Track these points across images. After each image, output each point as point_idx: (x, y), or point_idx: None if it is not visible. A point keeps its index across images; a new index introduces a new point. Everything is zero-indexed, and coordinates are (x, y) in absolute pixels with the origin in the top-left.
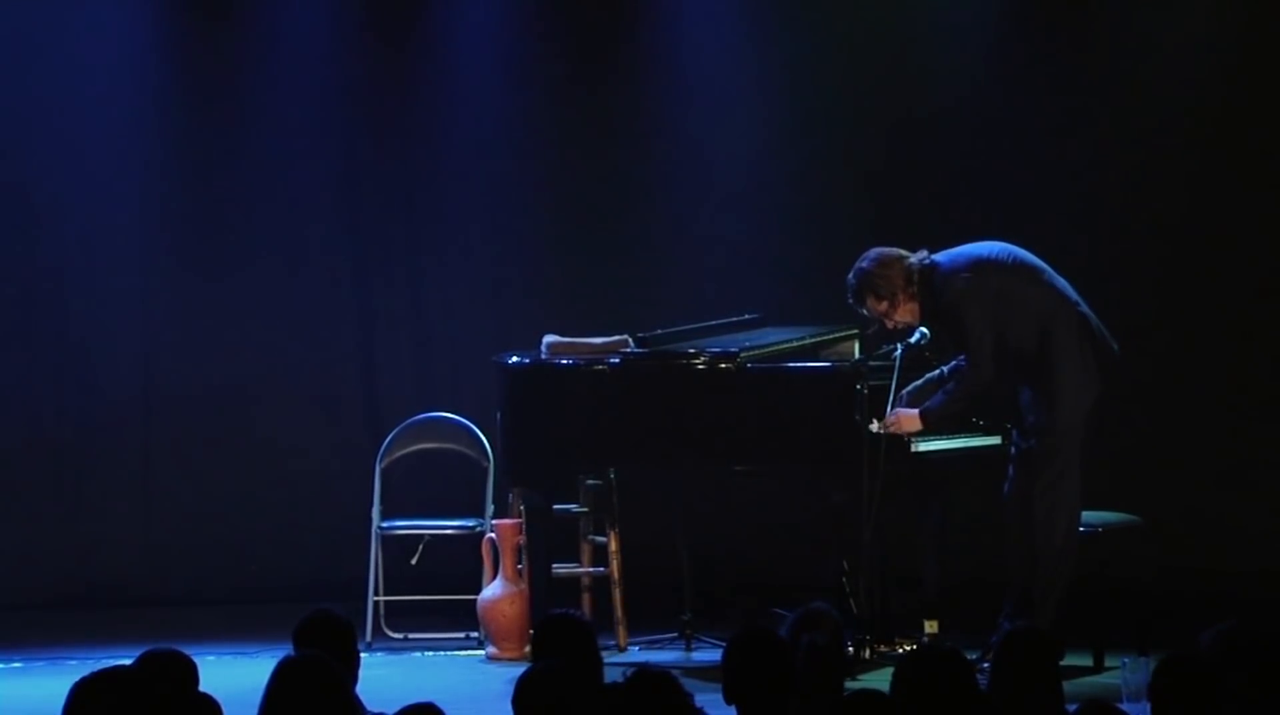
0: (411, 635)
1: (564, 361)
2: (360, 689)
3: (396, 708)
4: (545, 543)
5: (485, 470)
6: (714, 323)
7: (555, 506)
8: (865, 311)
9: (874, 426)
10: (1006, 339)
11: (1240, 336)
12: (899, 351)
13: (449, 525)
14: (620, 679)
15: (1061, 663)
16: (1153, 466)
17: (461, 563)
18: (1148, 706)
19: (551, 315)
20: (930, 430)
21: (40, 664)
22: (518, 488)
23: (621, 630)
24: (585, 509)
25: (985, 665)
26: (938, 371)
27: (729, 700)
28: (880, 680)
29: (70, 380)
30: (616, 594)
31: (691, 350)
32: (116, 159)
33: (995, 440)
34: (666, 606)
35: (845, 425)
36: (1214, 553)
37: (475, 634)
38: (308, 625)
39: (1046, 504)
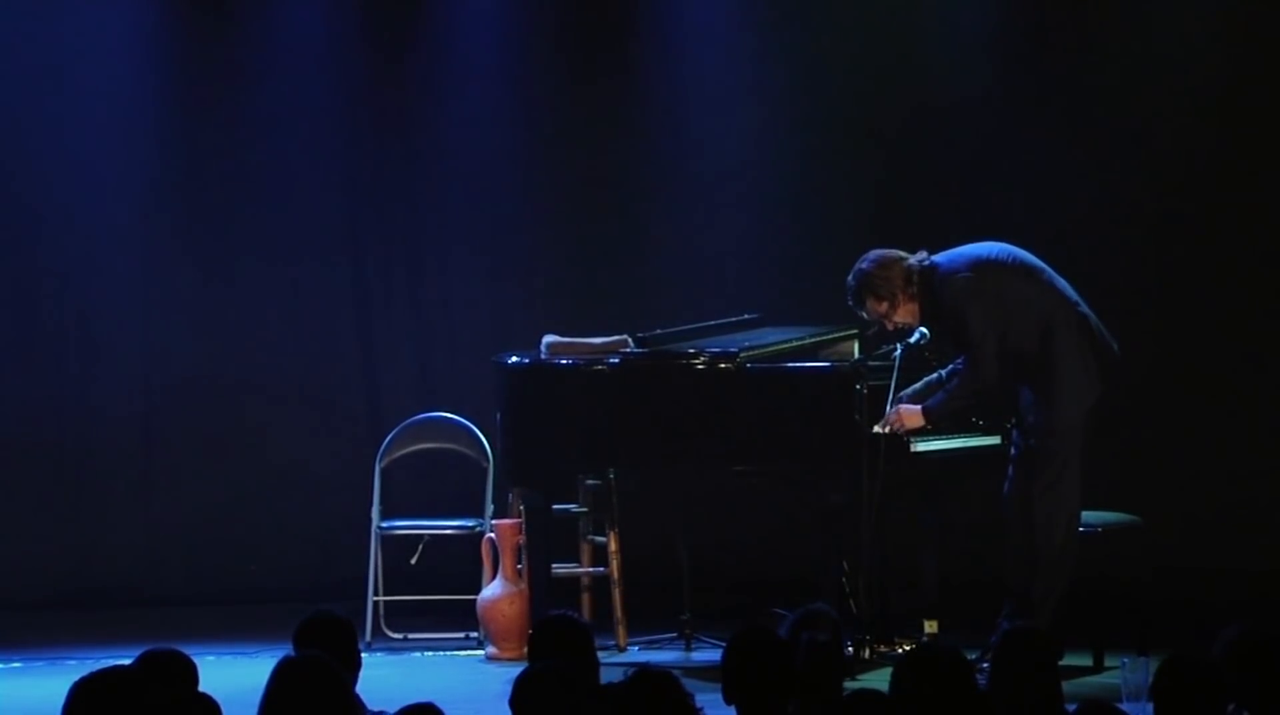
0: (411, 635)
1: (564, 361)
2: (360, 689)
3: (396, 708)
4: (545, 543)
5: (485, 470)
6: (714, 323)
7: (555, 506)
8: (865, 313)
9: (877, 427)
10: (1007, 340)
11: (1240, 336)
12: (899, 351)
13: (449, 525)
14: (621, 679)
15: (1061, 663)
16: (1153, 466)
17: (461, 563)
18: (1148, 707)
19: (551, 315)
20: (932, 427)
21: (40, 664)
22: (518, 488)
23: (621, 630)
24: (585, 509)
25: (985, 665)
26: (936, 375)
27: (729, 700)
28: (880, 680)
29: (70, 380)
30: (616, 594)
31: (691, 350)
32: (116, 159)
33: (995, 440)
34: (666, 606)
35: (845, 425)
36: (1214, 553)
37: (475, 634)
38: (308, 625)
39: (1046, 504)
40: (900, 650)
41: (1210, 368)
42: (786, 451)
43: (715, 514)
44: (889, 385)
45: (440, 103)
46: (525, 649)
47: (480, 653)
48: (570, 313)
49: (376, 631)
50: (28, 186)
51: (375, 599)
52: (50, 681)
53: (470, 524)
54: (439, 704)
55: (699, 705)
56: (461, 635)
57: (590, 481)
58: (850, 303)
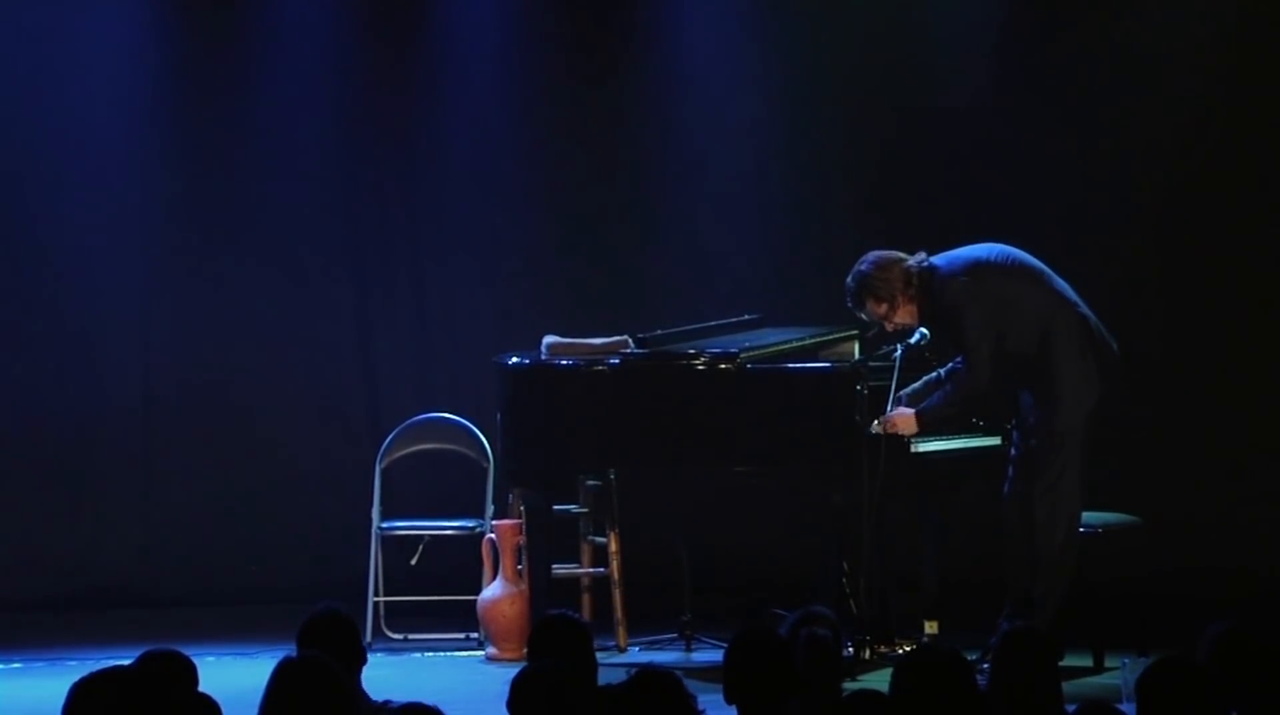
0: (411, 636)
1: (564, 362)
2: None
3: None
4: (545, 543)
5: (485, 471)
6: (714, 323)
7: (555, 507)
8: (865, 315)
9: (874, 426)
10: (1006, 341)
11: (1240, 337)
12: (899, 352)
13: (449, 526)
14: (623, 679)
15: (1061, 663)
16: (1153, 466)
17: (461, 563)
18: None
19: (551, 315)
20: (926, 431)
21: (40, 664)
22: (518, 488)
23: (621, 631)
24: (585, 509)
25: (985, 666)
26: (935, 373)
27: (730, 700)
28: (880, 680)
29: (70, 380)
30: (616, 594)
31: (691, 351)
32: (116, 158)
33: (995, 441)
34: (666, 607)
35: (845, 426)
36: (1214, 553)
37: (475, 634)
38: (314, 622)
39: (1047, 505)
40: (900, 650)
41: (1211, 368)
42: (787, 452)
43: (715, 514)
44: (889, 386)
45: (441, 102)
46: (525, 649)
47: (480, 653)
48: (570, 313)
49: (377, 632)
50: (27, 186)
51: (375, 599)
52: (50, 681)
53: (470, 524)
54: (439, 704)
55: (701, 706)
56: (462, 636)
57: (590, 482)
58: (850, 304)
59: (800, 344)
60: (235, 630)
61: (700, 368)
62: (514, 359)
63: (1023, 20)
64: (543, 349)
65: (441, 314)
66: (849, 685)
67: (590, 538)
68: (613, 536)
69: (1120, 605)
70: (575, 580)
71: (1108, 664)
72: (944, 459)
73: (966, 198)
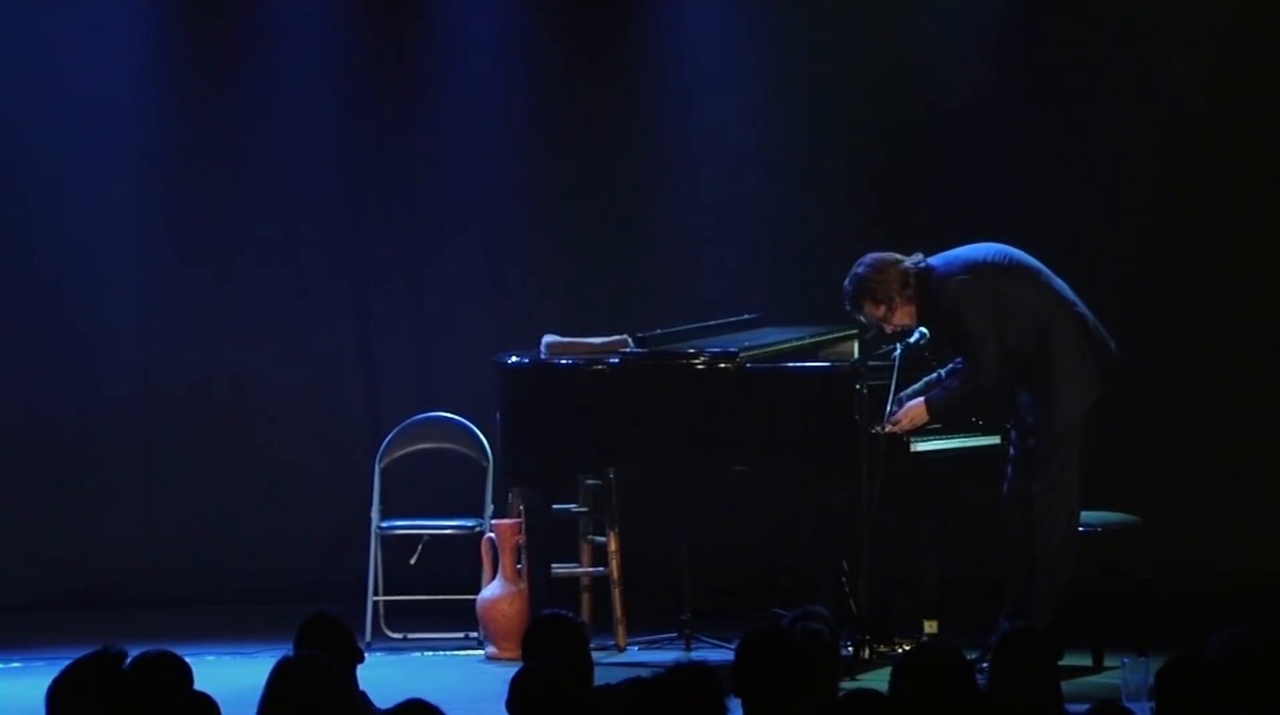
0: (411, 635)
1: (563, 361)
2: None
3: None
4: (545, 543)
5: (485, 470)
6: (714, 323)
7: (555, 506)
8: (863, 317)
9: (885, 427)
10: (1005, 340)
11: (1240, 336)
12: (898, 351)
13: (448, 525)
14: (615, 680)
15: (1061, 663)
16: (1153, 466)
17: (461, 563)
18: (1149, 706)
19: (551, 315)
20: (937, 420)
21: (40, 664)
22: (517, 488)
23: (621, 630)
24: (585, 509)
25: (985, 665)
26: (935, 374)
27: (736, 692)
28: (880, 680)
29: (70, 380)
30: (616, 594)
31: (691, 350)
32: (115, 158)
33: (995, 440)
34: (666, 606)
35: (845, 425)
36: (1214, 553)
37: (475, 634)
38: (307, 627)
39: (1046, 504)
40: (900, 650)
41: (1210, 368)
42: (786, 451)
43: (715, 514)
44: (889, 385)
45: (440, 102)
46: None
47: (480, 653)
48: (570, 313)
49: (376, 631)
50: (26, 186)
51: (375, 599)
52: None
53: (470, 524)
54: (439, 704)
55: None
56: (461, 635)
57: (590, 481)
58: (848, 307)
59: (800, 344)
60: (235, 630)
61: (700, 367)
62: (514, 359)
63: (1022, 20)
64: (543, 349)
65: (441, 314)
66: (849, 685)
67: (590, 537)
68: (612, 536)
69: (1120, 605)
70: (575, 580)
71: (1108, 664)
72: (944, 459)
73: (966, 197)
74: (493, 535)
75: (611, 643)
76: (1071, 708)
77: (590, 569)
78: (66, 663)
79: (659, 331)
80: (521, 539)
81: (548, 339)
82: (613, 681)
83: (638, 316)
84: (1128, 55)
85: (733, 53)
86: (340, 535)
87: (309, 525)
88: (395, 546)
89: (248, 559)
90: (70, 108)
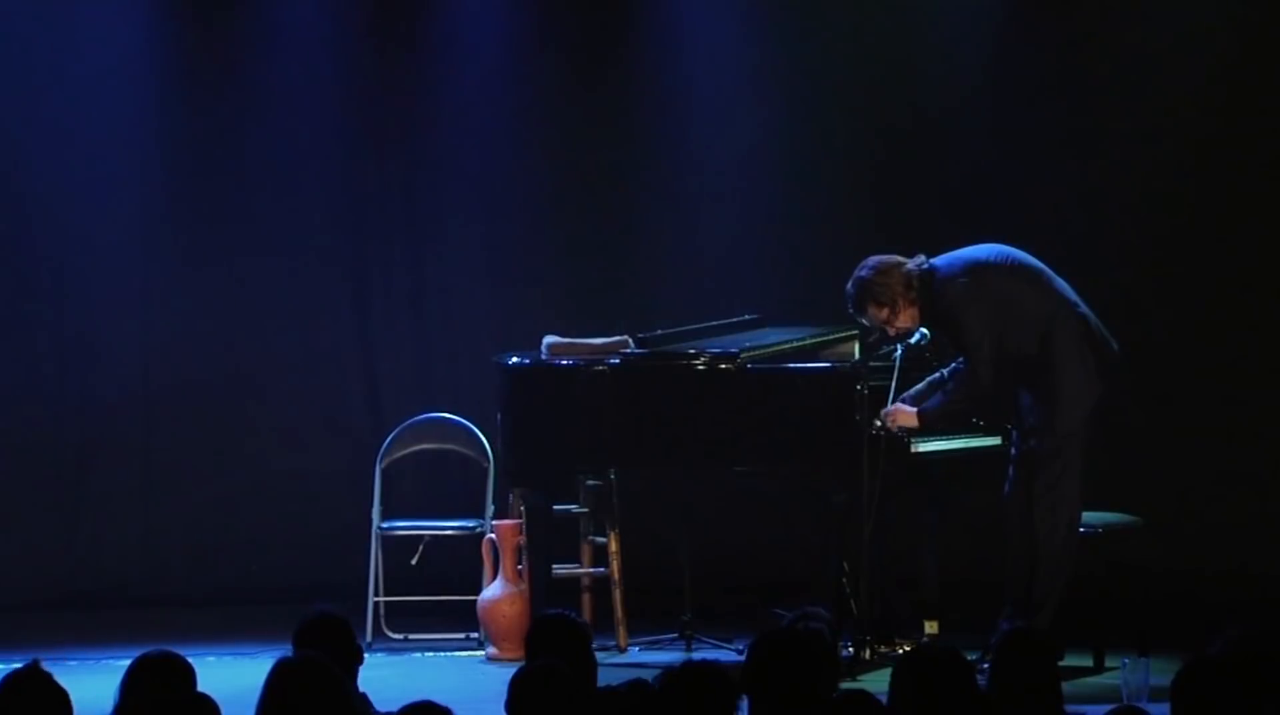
0: (411, 636)
1: (564, 362)
2: (360, 689)
3: (396, 709)
4: (545, 543)
5: (485, 470)
6: (714, 323)
7: (555, 507)
8: (866, 320)
9: (876, 423)
10: (1006, 342)
11: (1240, 336)
12: (899, 352)
13: (449, 526)
14: (616, 681)
15: (1061, 663)
16: (1153, 466)
17: (462, 563)
18: (1149, 707)
19: (552, 315)
20: (926, 429)
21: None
22: (518, 488)
23: (621, 630)
24: (585, 509)
25: (985, 666)
26: (938, 374)
27: (746, 689)
28: (880, 680)
29: (70, 380)
30: (616, 594)
31: (691, 351)
32: (116, 156)
33: (995, 441)
34: (666, 607)
35: (845, 425)
36: (1214, 553)
37: (475, 634)
38: (306, 626)
39: (1047, 505)
40: (900, 650)
41: (1211, 368)
42: (787, 452)
43: (715, 514)
44: (889, 386)
45: (441, 102)
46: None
47: (480, 653)
48: (571, 313)
49: (377, 632)
50: (26, 184)
51: (376, 599)
52: None
53: (471, 524)
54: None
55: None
56: (462, 636)
57: (591, 482)
58: (851, 310)
59: (800, 344)
60: (235, 630)
61: (700, 368)
62: (514, 359)
63: (1022, 21)
64: (543, 349)
65: (441, 314)
66: (849, 685)
67: (590, 538)
68: (613, 536)
69: (1120, 605)
70: (575, 580)
71: (1108, 664)
72: (944, 459)
73: (966, 198)
74: (493, 536)
75: (612, 643)
76: (1072, 708)
77: (591, 569)
78: (68, 663)
79: (659, 332)
80: (522, 539)
81: (548, 339)
82: (614, 683)
83: (638, 317)
84: (1127, 56)
85: (733, 53)
86: (340, 535)
87: (309, 525)
88: (396, 547)
89: (248, 559)
90: (70, 107)
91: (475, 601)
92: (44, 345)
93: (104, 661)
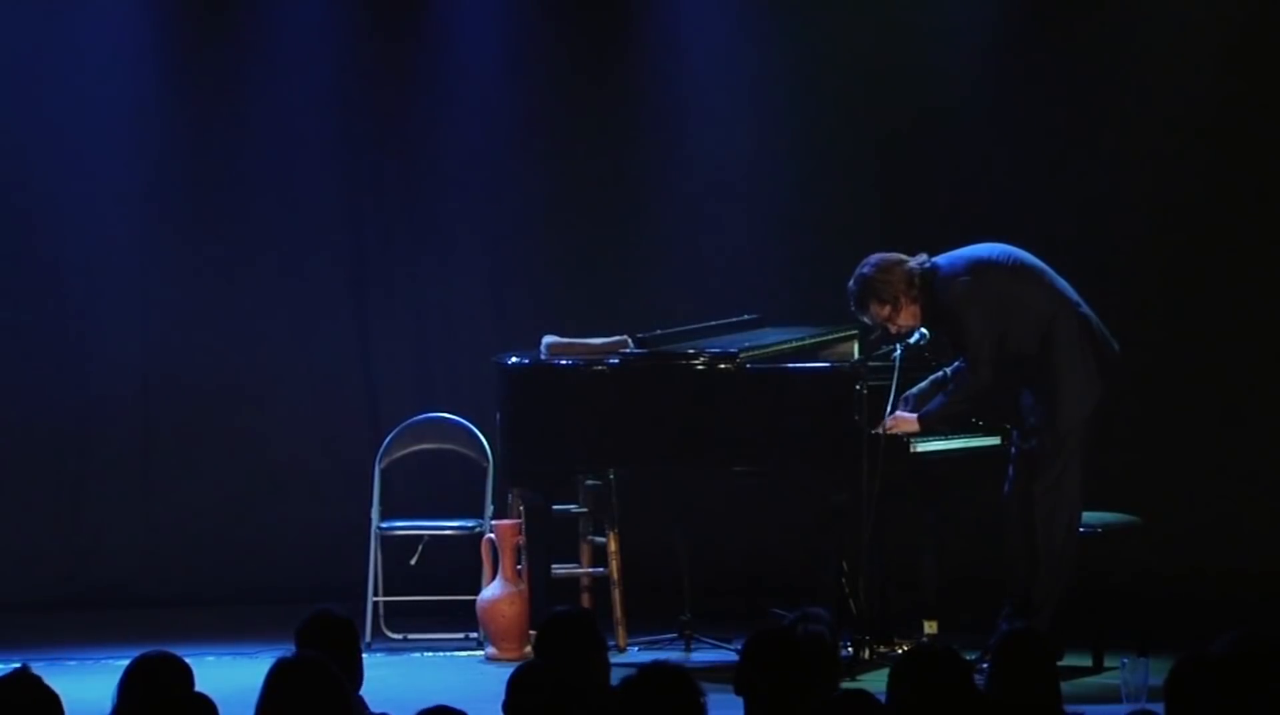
0: (411, 636)
1: (563, 362)
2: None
3: (397, 709)
4: (545, 543)
5: (485, 470)
6: (714, 323)
7: (555, 507)
8: (868, 318)
9: (878, 430)
10: (1008, 341)
11: (1240, 336)
12: (899, 352)
13: (448, 526)
14: (615, 681)
15: (1061, 663)
16: (1153, 466)
17: (461, 563)
18: (1149, 706)
19: (551, 315)
20: (930, 432)
21: (40, 664)
22: (517, 488)
23: (621, 631)
24: (585, 509)
25: (984, 665)
26: (940, 373)
27: (740, 692)
28: (879, 680)
29: (70, 380)
30: (616, 594)
31: (691, 350)
32: (115, 157)
33: (995, 440)
34: (666, 607)
35: (845, 426)
36: (1214, 553)
37: (475, 634)
38: (309, 625)
39: (1047, 505)
40: (900, 650)
41: (1211, 368)
42: (786, 452)
43: (715, 514)
44: (889, 386)
45: (441, 103)
46: (525, 649)
47: (480, 653)
48: (570, 313)
49: (376, 632)
50: (25, 185)
51: (375, 599)
52: (50, 681)
53: (470, 524)
54: (440, 705)
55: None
56: (461, 636)
57: (590, 482)
58: (853, 308)
59: (800, 344)
60: (235, 630)
61: (700, 368)
62: (514, 359)
63: (1021, 20)
64: (543, 349)
65: (441, 314)
66: (849, 685)
67: (590, 538)
68: (612, 536)
69: (1120, 605)
70: (575, 580)
71: (1108, 664)
72: (944, 459)
73: (967, 198)
74: (493, 536)
75: (612, 643)
76: (1071, 708)
77: (590, 569)
78: (68, 663)
79: (659, 332)
80: (521, 539)
81: (548, 339)
82: (613, 683)
83: (638, 317)
84: (1128, 56)
85: (733, 53)
86: (340, 535)
87: (309, 525)
88: (395, 547)
89: (248, 559)
90: (71, 107)
91: (474, 601)
92: (44, 345)
93: (104, 661)
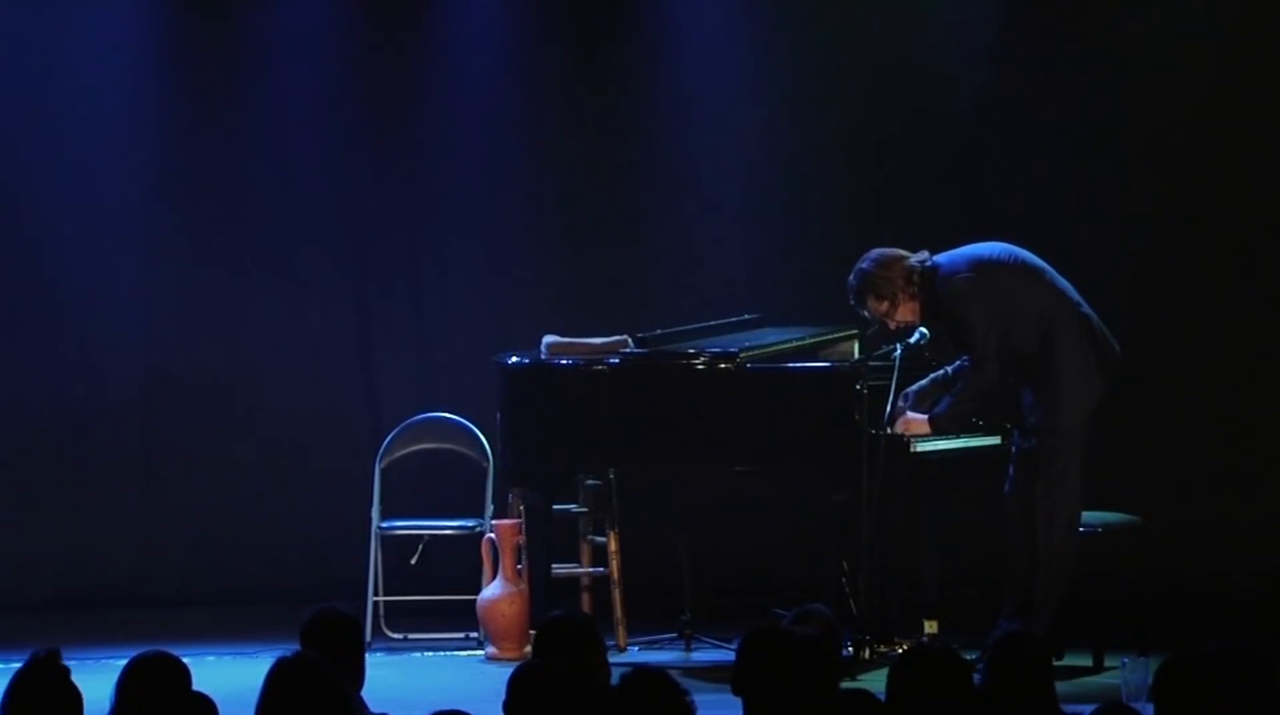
0: (411, 635)
1: (564, 362)
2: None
3: (397, 709)
4: (545, 543)
5: (485, 470)
6: (714, 323)
7: (555, 506)
8: (866, 312)
9: (887, 429)
10: (1009, 339)
11: (1241, 336)
12: (899, 351)
13: (449, 525)
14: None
15: (1061, 663)
16: (1153, 466)
17: (461, 563)
18: (1149, 707)
19: (551, 315)
20: (941, 432)
21: None
22: (517, 488)
23: (621, 630)
24: (585, 509)
25: (984, 665)
26: (941, 371)
27: (737, 692)
28: (880, 680)
29: (70, 380)
30: (616, 594)
31: (691, 350)
32: (116, 157)
33: (995, 440)
34: (666, 607)
35: (845, 425)
36: (1214, 553)
37: (475, 634)
38: (314, 622)
39: (1047, 505)
40: (900, 650)
41: (1211, 368)
42: (786, 451)
43: (715, 514)
44: (889, 385)
45: (441, 103)
46: (525, 649)
47: (480, 653)
48: (570, 313)
49: (376, 631)
50: (26, 185)
51: (375, 599)
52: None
53: (470, 524)
54: (439, 705)
55: (695, 705)
56: (461, 635)
57: (590, 481)
58: (851, 302)
59: (800, 344)
60: (235, 630)
61: (700, 367)
62: (514, 359)
63: (1022, 21)
64: (543, 349)
65: (441, 314)
66: (849, 685)
67: (590, 537)
68: (612, 536)
69: (1120, 605)
70: (575, 580)
71: (1108, 664)
72: (944, 459)
73: (966, 198)
74: (493, 535)
75: (612, 643)
76: (1071, 708)
77: (590, 569)
78: (69, 663)
79: (659, 332)
80: (522, 539)
81: (548, 339)
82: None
83: (638, 317)
84: (1128, 57)
85: (733, 54)
86: (340, 535)
87: (309, 525)
88: (395, 547)
89: (248, 559)
90: (72, 107)
91: (475, 601)
92: (43, 345)
93: (104, 661)
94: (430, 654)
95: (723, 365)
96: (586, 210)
